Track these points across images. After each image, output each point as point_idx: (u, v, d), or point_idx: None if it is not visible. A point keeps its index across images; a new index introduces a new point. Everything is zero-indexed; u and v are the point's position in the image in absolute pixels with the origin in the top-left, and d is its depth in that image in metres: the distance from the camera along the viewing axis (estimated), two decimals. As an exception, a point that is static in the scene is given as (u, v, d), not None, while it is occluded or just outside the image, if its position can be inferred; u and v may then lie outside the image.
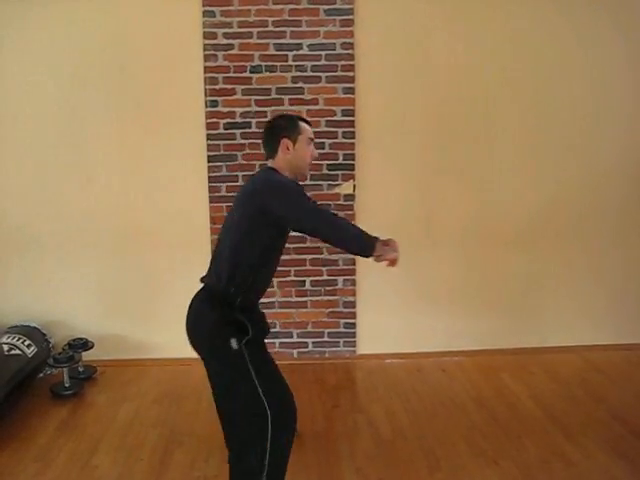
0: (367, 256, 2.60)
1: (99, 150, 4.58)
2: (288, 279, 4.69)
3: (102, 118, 4.54)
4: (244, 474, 2.68)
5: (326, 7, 4.45)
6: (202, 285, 2.86)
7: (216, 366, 2.75)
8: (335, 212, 3.00)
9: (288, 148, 2.83)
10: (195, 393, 4.24)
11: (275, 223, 2.69)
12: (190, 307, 2.81)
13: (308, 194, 2.73)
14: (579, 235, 4.87)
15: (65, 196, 4.61)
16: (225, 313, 2.69)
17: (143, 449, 3.60)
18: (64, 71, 4.48)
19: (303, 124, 2.91)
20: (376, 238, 2.60)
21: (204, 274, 2.89)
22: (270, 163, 2.89)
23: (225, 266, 2.74)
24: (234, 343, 2.63)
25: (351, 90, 4.54)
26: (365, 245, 2.59)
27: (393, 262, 2.61)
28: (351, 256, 4.69)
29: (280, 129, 2.87)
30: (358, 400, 4.26)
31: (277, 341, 4.73)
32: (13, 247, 4.64)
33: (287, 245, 2.94)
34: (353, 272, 4.75)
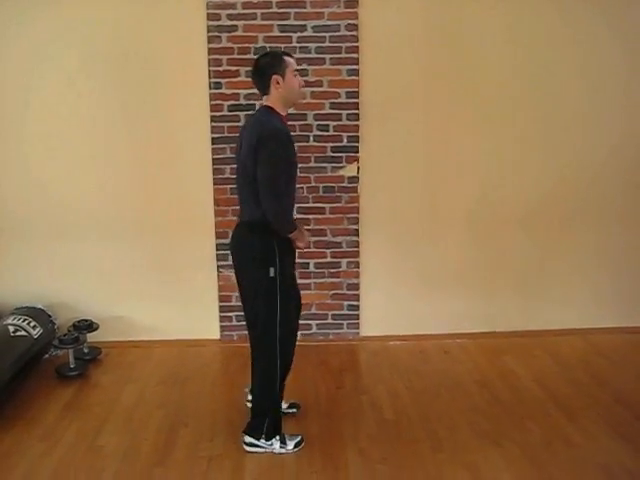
0: (285, 235, 3.21)
1: (104, 133, 4.57)
2: (292, 261, 4.70)
3: (106, 101, 4.53)
4: (262, 369, 3.34)
5: (330, -12, 4.42)
6: (239, 221, 3.37)
7: (251, 285, 3.27)
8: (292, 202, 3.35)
9: (278, 83, 3.18)
10: (200, 374, 4.27)
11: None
12: (233, 236, 3.36)
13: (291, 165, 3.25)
14: (584, 218, 4.86)
15: (70, 180, 4.62)
16: (264, 237, 3.17)
17: (148, 430, 3.63)
18: (68, 56, 4.46)
19: (287, 58, 3.23)
20: (296, 226, 3.24)
21: (240, 212, 3.39)
22: (265, 100, 3.26)
23: (250, 202, 3.20)
24: (272, 272, 3.14)
25: (355, 72, 4.52)
26: (286, 228, 3.20)
27: (301, 247, 3.37)
28: (355, 238, 4.71)
29: (268, 67, 3.20)
30: (362, 382, 4.28)
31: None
32: (19, 230, 4.65)
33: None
34: (357, 254, 4.75)
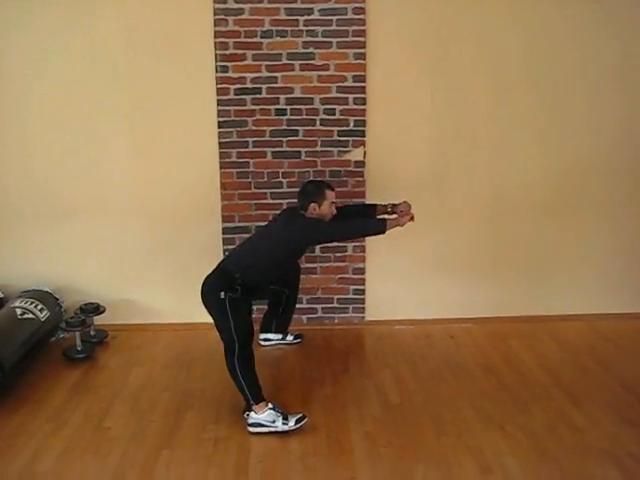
0: (383, 233, 3.66)
1: (110, 118, 4.56)
2: (298, 245, 4.70)
3: (111, 85, 4.51)
4: (227, 359, 3.54)
5: (337, -29, 4.39)
6: (222, 260, 3.83)
7: (210, 307, 3.61)
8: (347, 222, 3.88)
9: (315, 209, 3.75)
10: (205, 357, 4.29)
11: (305, 245, 3.97)
12: (209, 274, 3.67)
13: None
14: (591, 204, 4.83)
15: (78, 164, 4.61)
16: (226, 283, 3.57)
17: (155, 412, 3.66)
18: (72, 42, 4.45)
19: (328, 191, 3.79)
20: (384, 220, 3.72)
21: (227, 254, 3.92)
22: (299, 209, 3.82)
23: (244, 261, 3.67)
24: (222, 294, 3.50)
25: (362, 56, 4.50)
26: (377, 230, 3.70)
27: (411, 220, 3.68)
28: (361, 223, 4.70)
29: (310, 194, 3.78)
30: (367, 365, 4.29)
31: (287, 307, 4.76)
32: (25, 213, 4.66)
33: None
34: (363, 239, 4.74)
